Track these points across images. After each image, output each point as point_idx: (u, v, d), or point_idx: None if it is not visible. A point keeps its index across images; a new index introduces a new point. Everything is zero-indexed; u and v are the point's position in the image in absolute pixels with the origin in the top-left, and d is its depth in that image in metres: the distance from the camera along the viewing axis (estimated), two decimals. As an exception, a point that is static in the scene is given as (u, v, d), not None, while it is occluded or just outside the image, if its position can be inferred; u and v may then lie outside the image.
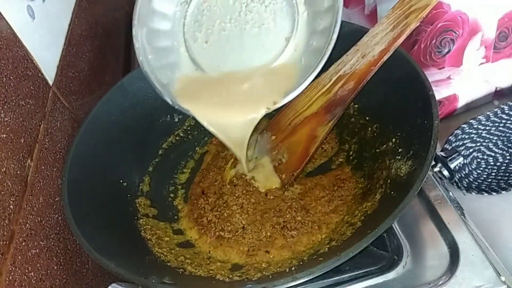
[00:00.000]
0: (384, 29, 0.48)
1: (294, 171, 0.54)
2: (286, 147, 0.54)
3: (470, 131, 0.73)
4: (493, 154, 0.73)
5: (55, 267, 0.44)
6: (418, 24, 0.45)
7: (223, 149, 0.62)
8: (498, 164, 0.71)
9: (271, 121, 0.58)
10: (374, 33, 0.49)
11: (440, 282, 0.45)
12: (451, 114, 0.80)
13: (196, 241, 0.53)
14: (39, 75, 0.51)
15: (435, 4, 0.45)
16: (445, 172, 0.53)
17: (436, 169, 0.53)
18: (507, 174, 0.69)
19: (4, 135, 0.41)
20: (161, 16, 0.53)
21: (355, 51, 0.50)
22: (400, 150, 0.49)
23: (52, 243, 0.45)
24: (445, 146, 0.72)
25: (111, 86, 0.58)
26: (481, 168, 0.72)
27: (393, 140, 0.51)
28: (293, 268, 0.43)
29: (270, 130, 0.57)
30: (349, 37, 0.55)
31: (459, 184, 0.67)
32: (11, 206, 0.39)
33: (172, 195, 0.60)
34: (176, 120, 0.64)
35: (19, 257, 0.38)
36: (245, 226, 0.51)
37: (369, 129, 0.56)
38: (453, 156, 0.53)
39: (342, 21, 0.50)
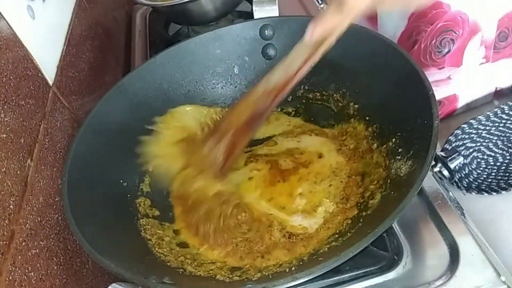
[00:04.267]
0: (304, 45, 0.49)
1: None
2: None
3: (470, 131, 0.73)
4: (493, 154, 0.73)
5: (55, 267, 0.44)
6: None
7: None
8: (498, 164, 0.71)
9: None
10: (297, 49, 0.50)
11: (440, 282, 0.45)
12: (451, 114, 0.80)
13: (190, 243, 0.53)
14: (39, 75, 0.51)
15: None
16: (445, 172, 0.53)
17: (436, 169, 0.53)
18: (507, 174, 0.69)
19: (4, 135, 0.41)
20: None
21: (280, 66, 0.51)
22: (400, 150, 0.49)
23: (52, 243, 0.45)
24: (445, 146, 0.72)
25: (111, 86, 0.58)
26: (481, 168, 0.71)
27: (393, 140, 0.51)
28: (293, 268, 0.43)
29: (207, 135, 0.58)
30: (349, 37, 0.55)
31: (459, 184, 0.67)
32: (11, 206, 0.39)
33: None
34: (176, 120, 0.64)
35: (19, 257, 0.38)
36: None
37: (369, 129, 0.56)
38: (453, 156, 0.53)
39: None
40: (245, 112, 0.52)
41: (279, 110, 0.66)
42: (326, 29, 0.45)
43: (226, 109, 0.64)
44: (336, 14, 0.43)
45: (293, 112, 0.65)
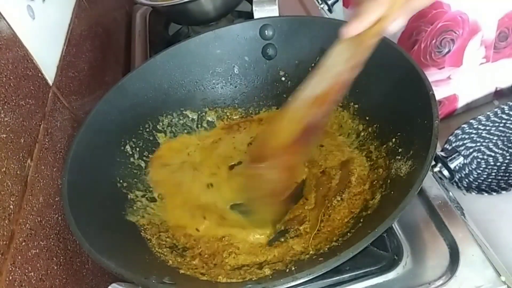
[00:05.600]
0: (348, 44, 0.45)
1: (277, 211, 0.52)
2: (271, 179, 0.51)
3: (470, 131, 0.73)
4: (493, 154, 0.73)
5: (55, 267, 0.44)
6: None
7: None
8: (498, 164, 0.71)
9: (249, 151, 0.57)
10: (338, 50, 0.46)
11: (440, 282, 0.45)
12: (451, 114, 0.81)
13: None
14: (39, 75, 0.51)
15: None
16: (445, 172, 0.53)
17: (436, 169, 0.53)
18: (507, 174, 0.69)
19: (4, 135, 0.41)
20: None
21: (321, 72, 0.47)
22: (400, 150, 0.49)
23: (52, 243, 0.45)
24: (445, 146, 0.72)
25: (111, 86, 0.58)
26: (481, 168, 0.72)
27: (393, 140, 0.51)
28: (293, 268, 0.43)
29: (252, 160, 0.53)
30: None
31: (459, 184, 0.67)
32: (11, 206, 0.39)
33: (172, 195, 0.60)
34: (176, 120, 0.64)
35: (19, 257, 0.38)
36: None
37: (369, 129, 0.56)
38: (453, 156, 0.53)
39: (342, 21, 0.50)
40: (292, 128, 0.47)
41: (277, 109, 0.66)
42: (365, 23, 0.41)
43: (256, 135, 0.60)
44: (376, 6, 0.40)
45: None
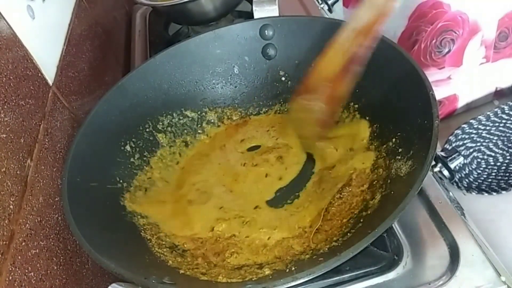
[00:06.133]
0: None
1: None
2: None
3: (470, 131, 0.73)
4: (493, 154, 0.73)
5: (55, 267, 0.44)
6: None
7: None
8: (498, 164, 0.71)
9: (298, 88, 0.57)
10: None
11: (440, 282, 0.45)
12: (451, 114, 0.81)
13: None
14: (39, 75, 0.51)
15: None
16: (445, 172, 0.53)
17: (436, 169, 0.53)
18: (507, 174, 0.69)
19: (4, 135, 0.41)
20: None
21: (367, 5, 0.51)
22: (400, 150, 0.49)
23: (52, 243, 0.45)
24: (445, 146, 0.72)
25: (111, 86, 0.58)
26: (481, 168, 0.72)
27: (393, 140, 0.51)
28: (293, 268, 0.43)
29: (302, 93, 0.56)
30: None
31: (459, 184, 0.67)
32: (11, 206, 0.39)
33: (172, 195, 0.60)
34: (176, 120, 0.64)
35: (19, 257, 0.38)
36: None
37: (369, 129, 0.56)
38: (453, 156, 0.53)
39: (342, 21, 0.50)
40: (339, 57, 0.51)
41: (279, 111, 0.66)
42: None
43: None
44: None
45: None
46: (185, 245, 0.51)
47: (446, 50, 0.70)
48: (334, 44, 0.51)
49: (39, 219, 0.43)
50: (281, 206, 0.54)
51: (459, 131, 0.73)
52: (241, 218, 0.53)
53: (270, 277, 0.43)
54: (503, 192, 0.65)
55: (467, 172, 0.71)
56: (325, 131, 0.56)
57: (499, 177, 0.69)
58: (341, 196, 0.51)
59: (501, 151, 0.72)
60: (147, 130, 0.61)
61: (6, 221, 0.38)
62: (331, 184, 0.53)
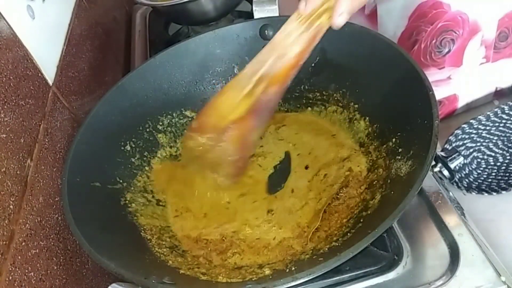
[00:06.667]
0: (297, 28, 0.47)
1: (235, 176, 0.54)
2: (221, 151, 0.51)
3: (470, 131, 0.73)
4: (493, 154, 0.73)
5: (55, 267, 0.44)
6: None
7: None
8: (498, 164, 0.71)
9: (192, 124, 0.54)
10: (287, 31, 0.48)
11: (440, 282, 0.45)
12: (451, 114, 0.81)
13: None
14: (39, 75, 0.51)
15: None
16: (445, 172, 0.53)
17: (436, 169, 0.53)
18: (507, 174, 0.69)
19: (4, 135, 0.41)
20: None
21: (271, 50, 0.48)
22: (400, 150, 0.49)
23: (52, 243, 0.45)
24: (445, 146, 0.72)
25: (111, 86, 0.58)
26: (481, 168, 0.72)
27: (393, 140, 0.51)
28: (293, 268, 0.43)
29: (196, 131, 0.52)
30: (349, 37, 0.55)
31: (459, 184, 0.67)
32: (11, 206, 0.39)
33: (172, 195, 0.60)
34: (176, 120, 0.64)
35: (19, 257, 0.38)
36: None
37: (369, 129, 0.56)
38: (453, 156, 0.53)
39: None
40: (240, 98, 0.48)
41: (279, 110, 0.66)
42: (313, 4, 0.44)
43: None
44: None
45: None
46: (187, 245, 0.51)
47: (446, 50, 0.70)
48: (233, 83, 0.49)
49: (39, 219, 0.43)
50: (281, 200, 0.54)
51: (459, 131, 0.73)
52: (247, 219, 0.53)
53: (270, 277, 0.43)
54: (503, 192, 0.65)
55: (467, 172, 0.71)
56: (235, 173, 0.54)
57: (499, 177, 0.69)
58: (339, 196, 0.51)
59: (501, 151, 0.72)
60: (147, 130, 0.61)
61: (6, 221, 0.38)
62: (327, 185, 0.53)
